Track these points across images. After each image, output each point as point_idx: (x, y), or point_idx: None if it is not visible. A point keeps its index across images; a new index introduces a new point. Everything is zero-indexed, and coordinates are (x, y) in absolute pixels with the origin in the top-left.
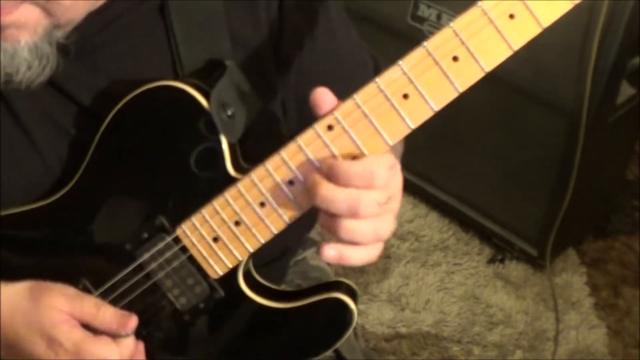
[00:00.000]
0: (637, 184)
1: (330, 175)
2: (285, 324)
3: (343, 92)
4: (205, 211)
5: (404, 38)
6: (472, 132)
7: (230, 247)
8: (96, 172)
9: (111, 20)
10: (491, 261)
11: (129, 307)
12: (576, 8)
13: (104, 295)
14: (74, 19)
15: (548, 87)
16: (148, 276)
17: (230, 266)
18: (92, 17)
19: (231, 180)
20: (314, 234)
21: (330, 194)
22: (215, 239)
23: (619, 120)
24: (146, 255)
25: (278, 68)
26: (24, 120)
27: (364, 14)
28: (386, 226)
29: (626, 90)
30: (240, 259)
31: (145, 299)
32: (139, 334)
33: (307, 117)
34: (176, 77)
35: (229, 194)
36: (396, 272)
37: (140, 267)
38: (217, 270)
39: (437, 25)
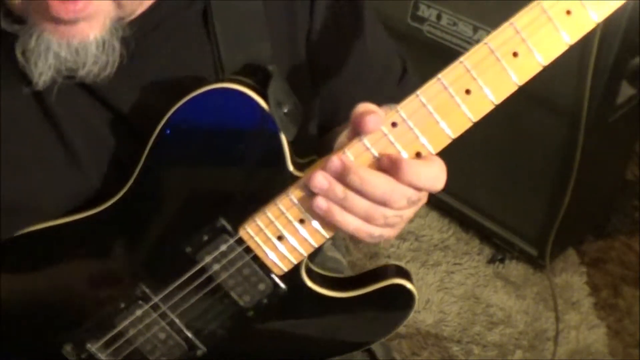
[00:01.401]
0: (637, 184)
1: (395, 171)
2: (349, 312)
3: (370, 94)
4: (270, 212)
5: (404, 38)
6: (472, 132)
7: (295, 244)
8: (150, 178)
9: (155, 25)
10: (491, 261)
11: (191, 309)
12: None
13: (164, 300)
14: (137, 11)
15: (548, 87)
16: (211, 278)
17: (295, 262)
18: (139, 19)
19: (292, 178)
20: None
21: (370, 177)
22: (280, 238)
23: (619, 120)
24: (208, 258)
25: (309, 68)
26: (63, 127)
27: None
28: (398, 219)
29: (626, 90)
30: (305, 254)
31: (208, 300)
32: (202, 334)
33: (330, 118)
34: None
35: (293, 194)
36: None
37: (203, 270)
38: (282, 267)
39: (437, 25)
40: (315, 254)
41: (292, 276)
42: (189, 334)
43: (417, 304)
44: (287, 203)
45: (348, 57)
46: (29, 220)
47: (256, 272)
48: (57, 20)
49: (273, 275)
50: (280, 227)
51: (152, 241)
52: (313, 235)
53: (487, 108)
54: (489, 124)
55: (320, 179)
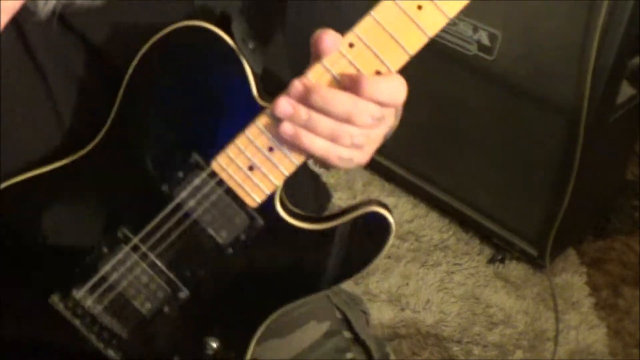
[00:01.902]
0: (637, 184)
1: (356, 88)
2: (326, 244)
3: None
4: (239, 142)
5: None
6: (472, 132)
7: (266, 172)
8: (126, 120)
9: None
10: (491, 261)
11: (170, 248)
12: (576, 8)
13: (143, 241)
14: None
15: (548, 87)
16: (187, 214)
17: (268, 192)
18: None
19: (260, 109)
20: None
21: (332, 94)
22: (251, 168)
23: (619, 120)
24: (183, 194)
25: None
26: (43, 65)
27: None
28: (364, 139)
29: (626, 90)
30: (277, 183)
31: (186, 238)
32: (183, 275)
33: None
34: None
35: (260, 122)
36: (396, 272)
37: (179, 206)
38: (255, 198)
39: None
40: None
41: (267, 209)
42: (171, 276)
43: (416, 305)
44: (255, 132)
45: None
46: (8, 166)
47: (231, 205)
48: None
49: (248, 209)
50: (249, 156)
51: (130, 183)
52: (282, 162)
53: (441, 22)
54: (489, 124)
55: (284, 103)
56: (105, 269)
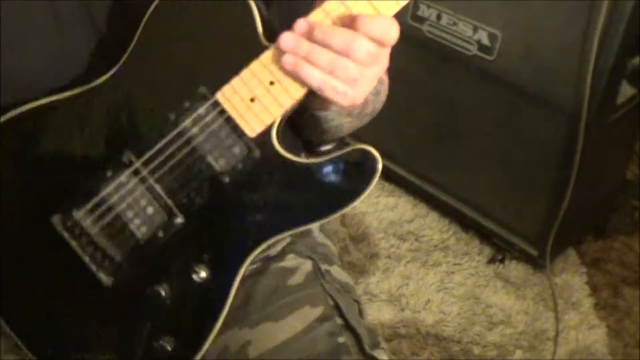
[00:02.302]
0: (637, 184)
1: (352, 26)
2: (319, 176)
3: None
4: (244, 74)
5: (404, 38)
6: (472, 132)
7: (266, 104)
8: (141, 57)
9: None
10: (491, 261)
11: (169, 173)
12: (576, 8)
13: (145, 164)
14: None
15: (548, 87)
16: (189, 141)
17: (267, 123)
18: None
19: (264, 49)
20: (316, 233)
21: (332, 29)
22: (252, 99)
23: (619, 120)
24: (187, 121)
25: None
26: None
27: None
28: (359, 74)
29: (626, 90)
30: (275, 115)
31: (185, 164)
32: (180, 201)
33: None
34: None
35: (264, 57)
36: (396, 272)
37: (182, 133)
38: (254, 127)
39: (437, 25)
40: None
41: (264, 142)
42: (168, 201)
43: (416, 305)
44: (258, 66)
45: None
46: (26, 93)
47: (230, 135)
48: None
49: (246, 139)
50: (252, 88)
51: (140, 111)
52: (281, 95)
53: None
54: (489, 124)
55: (288, 36)
56: (107, 190)
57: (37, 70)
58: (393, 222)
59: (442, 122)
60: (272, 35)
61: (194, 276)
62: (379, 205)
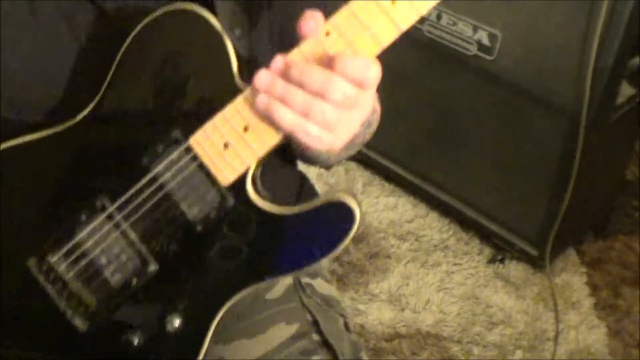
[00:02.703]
0: (637, 184)
1: (330, 66)
2: (291, 229)
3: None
4: (216, 119)
5: (404, 38)
6: (472, 132)
7: (239, 151)
8: (115, 94)
9: None
10: (491, 261)
11: (143, 220)
12: (576, 8)
13: (119, 209)
14: None
15: (548, 87)
16: (161, 187)
17: (240, 171)
18: None
19: (240, 92)
20: None
21: (309, 68)
22: (225, 145)
23: (619, 120)
24: (160, 167)
25: None
26: (45, 20)
27: None
28: (336, 119)
29: (626, 90)
30: (249, 162)
31: (159, 211)
32: (154, 248)
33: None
34: None
35: (238, 102)
36: (396, 272)
37: (154, 179)
38: (226, 175)
39: (437, 25)
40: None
41: (238, 191)
42: (142, 248)
43: (416, 305)
44: (232, 111)
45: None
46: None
47: (203, 182)
48: None
49: (219, 187)
50: (225, 134)
51: (113, 154)
52: (255, 142)
53: (414, 17)
54: (489, 124)
55: (264, 74)
56: (81, 235)
57: (15, 79)
58: (393, 222)
59: (442, 122)
60: (249, 75)
61: (168, 325)
62: (379, 205)
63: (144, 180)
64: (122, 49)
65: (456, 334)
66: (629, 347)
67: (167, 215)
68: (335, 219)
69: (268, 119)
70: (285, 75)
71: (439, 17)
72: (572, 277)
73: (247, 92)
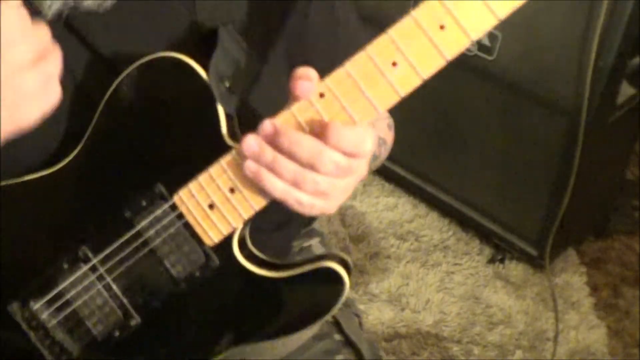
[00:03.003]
0: (637, 184)
1: (322, 135)
2: (278, 294)
3: (340, 61)
4: (202, 178)
5: None
6: (472, 132)
7: (225, 213)
8: (99, 140)
9: None
10: (491, 261)
11: (126, 274)
12: (576, 8)
13: (102, 262)
14: None
15: (548, 87)
16: (146, 243)
17: (225, 233)
18: None
19: (227, 148)
20: (317, 225)
21: (299, 138)
22: (211, 206)
23: (619, 120)
24: (144, 222)
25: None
26: None
27: (363, 14)
28: (329, 187)
29: (626, 90)
30: (235, 225)
31: (143, 266)
32: (136, 302)
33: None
34: (185, 39)
35: (224, 161)
36: (396, 272)
37: (139, 234)
38: (212, 236)
39: None
40: (261, 230)
41: (224, 250)
42: (125, 301)
43: (416, 305)
44: (219, 170)
45: (318, 27)
46: None
47: (188, 241)
48: None
49: (205, 247)
50: (211, 194)
51: (96, 203)
52: (242, 204)
53: (415, 82)
54: (489, 124)
55: (252, 141)
56: (64, 284)
57: None
58: (393, 222)
59: (442, 122)
60: (237, 134)
61: None
62: (379, 206)
63: (128, 235)
64: (108, 94)
65: (456, 334)
66: (629, 347)
67: (150, 271)
68: (324, 285)
69: (257, 185)
70: (275, 142)
71: None
72: (572, 277)
73: (235, 151)
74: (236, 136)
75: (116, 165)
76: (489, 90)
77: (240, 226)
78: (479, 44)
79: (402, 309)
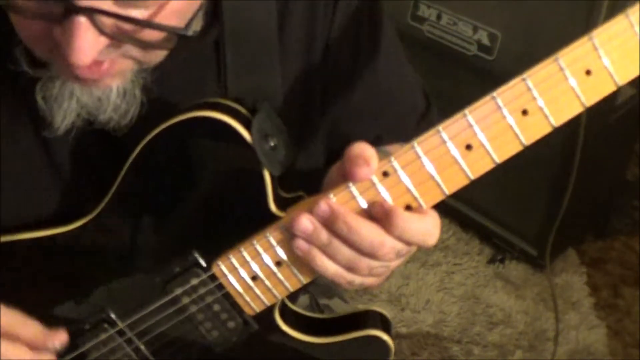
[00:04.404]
0: (637, 184)
1: (385, 222)
2: (321, 358)
3: (387, 133)
4: (246, 251)
5: (404, 38)
6: None
7: (270, 286)
8: (126, 200)
9: (172, 67)
10: (491, 261)
11: (157, 339)
12: (576, 8)
13: (131, 327)
14: (158, 61)
15: None
16: (179, 311)
17: (268, 304)
18: (160, 66)
19: (272, 217)
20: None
21: (358, 225)
22: (254, 278)
23: (619, 120)
24: (178, 291)
25: (321, 100)
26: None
27: None
28: (384, 271)
29: (626, 90)
30: (279, 297)
31: (175, 332)
32: None
33: (336, 151)
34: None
35: (272, 235)
36: (396, 272)
37: (173, 301)
38: (254, 307)
39: (437, 25)
40: (295, 295)
41: (264, 316)
42: None
43: (416, 305)
44: (265, 244)
45: (362, 91)
46: (5, 223)
47: (227, 310)
48: (82, 78)
49: (245, 315)
50: (255, 267)
51: (121, 266)
52: (289, 279)
53: (488, 166)
54: None
55: (306, 222)
56: (87, 346)
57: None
58: None
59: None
60: (288, 187)
61: None
62: None
63: (161, 302)
64: (136, 152)
65: (456, 334)
66: (629, 347)
67: (185, 336)
68: (367, 353)
69: (307, 263)
70: (331, 225)
71: (439, 17)
72: (572, 277)
73: (282, 222)
74: (279, 197)
75: (143, 228)
76: (489, 90)
77: (284, 297)
78: (479, 44)
79: (402, 309)
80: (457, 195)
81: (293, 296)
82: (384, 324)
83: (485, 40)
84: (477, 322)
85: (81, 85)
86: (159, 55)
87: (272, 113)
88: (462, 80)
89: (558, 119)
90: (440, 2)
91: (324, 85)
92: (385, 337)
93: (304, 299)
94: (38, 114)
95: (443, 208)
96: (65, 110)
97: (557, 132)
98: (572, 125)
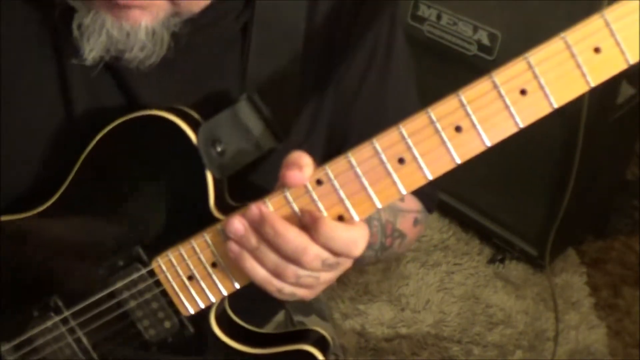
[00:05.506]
0: (637, 184)
1: (312, 229)
2: None
3: None
4: (184, 249)
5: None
6: None
7: (205, 287)
8: (80, 191)
9: (201, 27)
10: (491, 261)
11: (97, 332)
12: (576, 8)
13: (74, 316)
14: (193, 11)
15: None
16: (119, 304)
17: (203, 306)
18: (193, 19)
19: (212, 219)
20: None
21: (284, 231)
22: (190, 278)
23: (619, 120)
24: (119, 284)
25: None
26: (71, 93)
27: None
28: (311, 281)
29: (626, 90)
30: (213, 300)
31: (115, 326)
32: (105, 357)
33: (333, 150)
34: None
35: (209, 236)
36: (396, 272)
37: (112, 295)
38: (188, 308)
39: (437, 25)
40: (272, 312)
41: (200, 320)
42: (94, 356)
43: (416, 305)
44: (202, 244)
45: (365, 97)
46: None
47: (164, 308)
48: (112, 4)
49: (181, 315)
50: (191, 266)
51: (70, 256)
52: (223, 281)
53: (420, 182)
54: None
55: (238, 224)
56: (33, 331)
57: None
58: None
59: None
60: (226, 200)
61: None
62: None
63: (101, 294)
64: (90, 147)
65: (456, 334)
66: (629, 347)
67: (123, 332)
68: None
69: (239, 267)
70: (259, 227)
71: (439, 17)
72: (572, 277)
73: (220, 225)
74: (224, 203)
75: (92, 221)
76: None
77: (218, 301)
78: (479, 44)
79: (402, 309)
80: (457, 195)
81: (270, 313)
82: (320, 343)
83: (485, 40)
84: (477, 322)
85: (113, 16)
86: (194, 5)
87: (251, 109)
88: (462, 80)
89: (492, 138)
90: (440, 2)
91: (336, 89)
92: (317, 354)
93: (279, 315)
94: (64, 43)
95: (443, 208)
96: (95, 41)
97: (557, 132)
98: (572, 125)
